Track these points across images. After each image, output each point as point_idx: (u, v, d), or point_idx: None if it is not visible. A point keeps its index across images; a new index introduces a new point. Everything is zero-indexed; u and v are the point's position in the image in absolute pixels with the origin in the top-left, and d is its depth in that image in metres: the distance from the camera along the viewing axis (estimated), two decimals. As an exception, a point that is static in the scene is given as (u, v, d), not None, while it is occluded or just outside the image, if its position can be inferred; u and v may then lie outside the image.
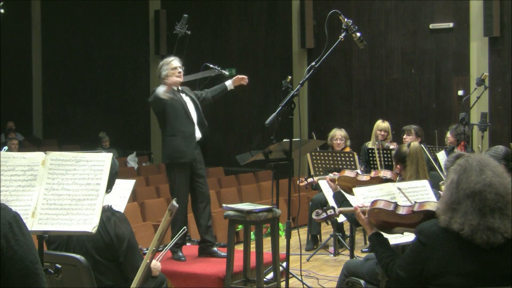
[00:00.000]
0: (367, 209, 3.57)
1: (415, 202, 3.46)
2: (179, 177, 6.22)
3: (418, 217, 3.30)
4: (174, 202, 3.14)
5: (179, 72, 6.22)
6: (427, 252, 2.99)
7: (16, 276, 1.92)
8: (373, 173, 4.85)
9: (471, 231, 2.89)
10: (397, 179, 4.69)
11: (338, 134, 8.21)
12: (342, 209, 3.97)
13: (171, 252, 6.23)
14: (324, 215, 3.86)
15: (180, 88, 6.29)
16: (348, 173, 4.78)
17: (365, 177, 4.77)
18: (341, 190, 4.67)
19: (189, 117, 6.22)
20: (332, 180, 4.82)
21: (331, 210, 3.86)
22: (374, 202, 3.56)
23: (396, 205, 3.46)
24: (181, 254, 6.29)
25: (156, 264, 4.08)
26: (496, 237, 2.89)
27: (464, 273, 2.92)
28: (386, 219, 3.49)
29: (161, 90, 6.00)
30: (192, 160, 6.19)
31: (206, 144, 6.39)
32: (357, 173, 4.82)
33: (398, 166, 4.75)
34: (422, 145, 5.33)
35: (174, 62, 6.24)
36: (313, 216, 3.92)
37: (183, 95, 6.25)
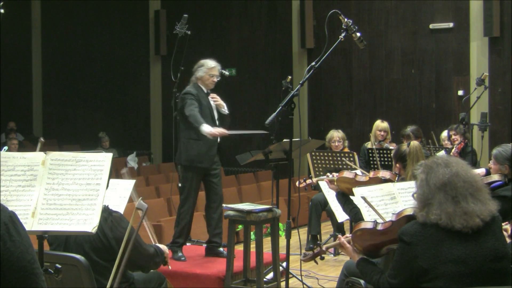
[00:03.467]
0: (351, 237, 3.60)
1: (392, 213, 3.50)
2: (194, 178, 6.26)
3: (400, 226, 3.30)
4: (141, 201, 3.18)
5: (213, 81, 6.27)
6: (413, 250, 3.03)
7: (14, 277, 1.90)
8: (371, 174, 4.84)
9: (449, 219, 3.00)
10: (396, 179, 4.68)
11: (335, 136, 8.18)
12: (327, 245, 3.99)
13: (171, 252, 6.24)
14: (311, 254, 3.88)
15: (209, 91, 6.33)
16: (346, 174, 4.77)
17: (364, 178, 4.76)
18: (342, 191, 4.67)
19: (214, 122, 6.24)
20: (331, 181, 4.81)
21: (318, 248, 3.87)
22: (355, 225, 3.59)
23: (376, 223, 3.50)
24: (181, 254, 6.30)
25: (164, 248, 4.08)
26: (474, 220, 3.00)
27: (452, 259, 2.97)
28: (370, 241, 3.50)
29: (207, 130, 5.95)
30: (209, 165, 6.24)
31: (222, 145, 6.42)
32: (356, 174, 4.81)
33: (397, 165, 4.74)
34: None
35: (215, 70, 6.28)
36: (301, 258, 3.94)
37: (211, 101, 6.28)
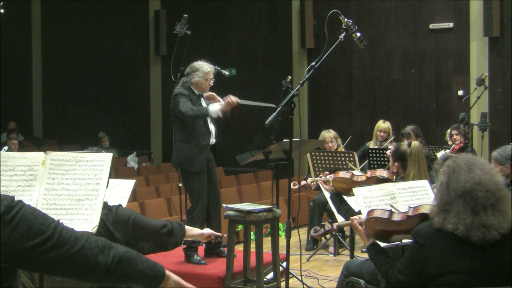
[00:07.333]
0: (363, 220, 3.59)
1: (409, 207, 3.48)
2: (197, 180, 6.19)
3: (414, 222, 3.30)
4: None
5: (210, 85, 6.19)
6: (425, 253, 3.00)
7: (41, 233, 2.12)
8: (369, 173, 4.81)
9: (466, 230, 2.91)
10: (394, 178, 4.66)
11: (327, 137, 8.09)
12: (339, 223, 4.02)
13: (187, 256, 6.21)
14: (322, 230, 3.94)
15: (201, 94, 6.25)
16: (343, 174, 4.73)
17: (361, 178, 4.73)
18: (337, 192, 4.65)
19: (207, 127, 6.20)
20: (326, 182, 4.76)
21: (329, 226, 3.92)
22: (370, 212, 3.58)
23: (391, 213, 3.49)
24: (199, 257, 6.24)
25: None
26: (492, 234, 2.90)
27: (463, 271, 2.93)
28: (383, 227, 3.51)
29: (215, 109, 5.95)
30: (199, 169, 6.16)
31: (217, 145, 6.42)
32: (352, 174, 4.78)
33: (396, 164, 4.68)
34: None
35: (210, 73, 6.19)
36: (312, 233, 3.99)
37: (203, 103, 6.21)
